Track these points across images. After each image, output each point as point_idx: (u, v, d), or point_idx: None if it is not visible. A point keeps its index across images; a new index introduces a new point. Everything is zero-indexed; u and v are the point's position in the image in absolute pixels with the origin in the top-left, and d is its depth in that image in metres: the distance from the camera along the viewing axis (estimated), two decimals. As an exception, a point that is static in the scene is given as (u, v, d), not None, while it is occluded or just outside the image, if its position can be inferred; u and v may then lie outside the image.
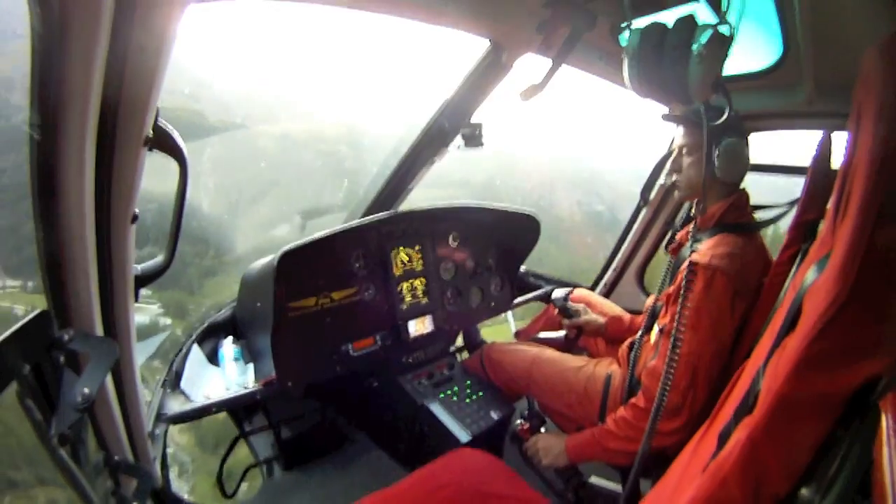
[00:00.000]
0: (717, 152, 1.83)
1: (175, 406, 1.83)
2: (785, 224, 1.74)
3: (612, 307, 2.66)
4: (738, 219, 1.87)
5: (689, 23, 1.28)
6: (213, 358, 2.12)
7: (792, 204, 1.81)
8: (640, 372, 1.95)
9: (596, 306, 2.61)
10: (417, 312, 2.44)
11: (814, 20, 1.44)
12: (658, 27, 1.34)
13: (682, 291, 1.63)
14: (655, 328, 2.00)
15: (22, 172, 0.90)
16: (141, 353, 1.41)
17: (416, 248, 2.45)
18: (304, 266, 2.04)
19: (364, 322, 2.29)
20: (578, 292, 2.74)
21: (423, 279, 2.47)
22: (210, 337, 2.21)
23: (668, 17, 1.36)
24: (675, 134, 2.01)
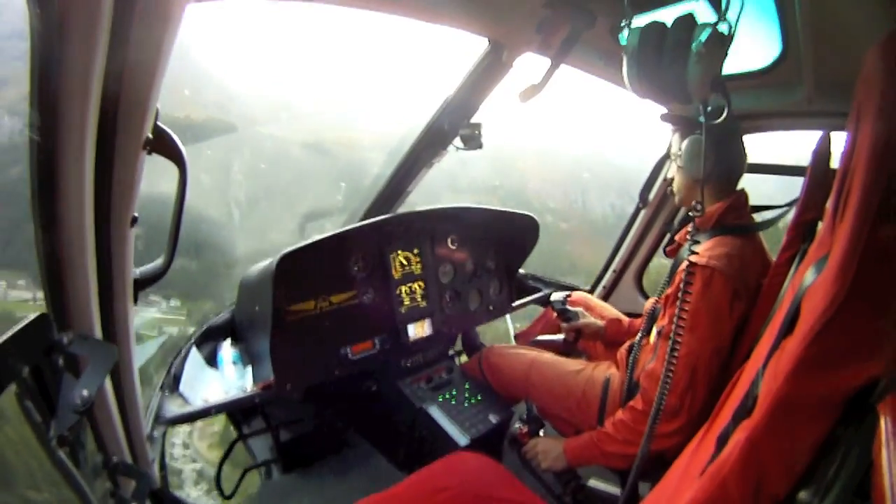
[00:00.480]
0: (680, 150, 1.90)
1: (173, 408, 1.83)
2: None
3: (611, 310, 2.66)
4: (736, 219, 1.88)
5: (688, 22, 1.29)
6: (212, 360, 2.11)
7: (791, 204, 1.82)
8: (639, 375, 1.95)
9: (594, 309, 2.61)
10: (416, 316, 2.44)
11: (813, 19, 1.44)
12: (657, 26, 1.34)
13: (680, 293, 1.63)
14: (654, 330, 2.00)
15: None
16: (140, 356, 1.41)
17: (415, 250, 2.44)
18: (302, 269, 2.04)
19: (363, 325, 2.29)
20: (577, 295, 2.74)
21: (421, 282, 2.47)
22: (209, 340, 2.20)
23: (668, 15, 1.36)
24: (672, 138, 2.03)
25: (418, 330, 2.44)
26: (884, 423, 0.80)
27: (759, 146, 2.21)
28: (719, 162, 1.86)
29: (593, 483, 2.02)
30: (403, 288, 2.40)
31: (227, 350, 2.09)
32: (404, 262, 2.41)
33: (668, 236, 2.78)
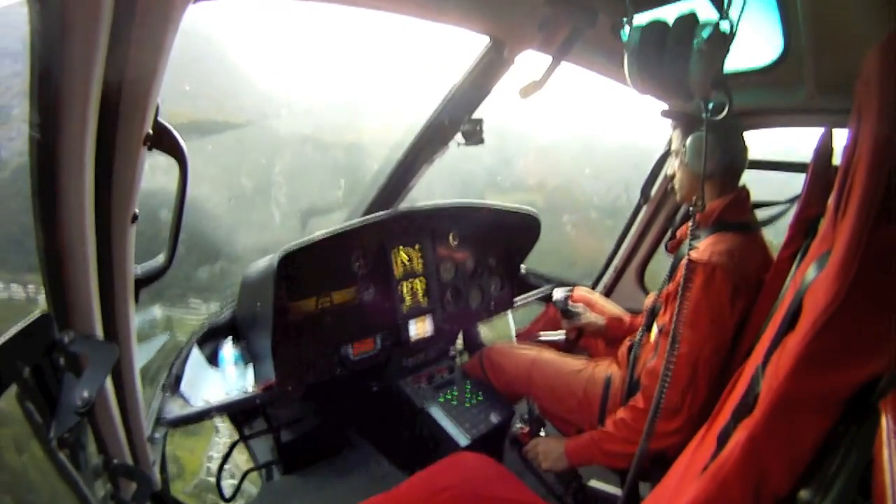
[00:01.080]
0: (685, 147, 1.89)
1: (175, 409, 1.82)
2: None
3: (613, 307, 2.66)
4: (737, 216, 1.87)
5: (689, 20, 1.28)
6: (213, 359, 2.12)
7: (792, 201, 1.81)
8: (640, 372, 1.94)
9: (596, 306, 2.61)
10: (418, 313, 2.44)
11: (815, 18, 1.44)
12: (659, 24, 1.34)
13: (680, 289, 1.63)
14: (655, 327, 2.00)
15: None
16: (141, 355, 1.41)
17: (416, 247, 2.44)
18: (304, 266, 2.04)
19: (364, 323, 2.29)
20: (579, 292, 2.73)
21: (423, 279, 2.47)
22: (210, 339, 2.20)
23: (669, 13, 1.35)
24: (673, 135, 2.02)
25: (419, 327, 2.44)
26: (885, 421, 0.80)
27: (762, 142, 2.21)
28: (721, 158, 1.85)
29: (594, 483, 2.02)
30: (405, 285, 2.40)
31: (228, 349, 2.08)
32: (406, 259, 2.40)
33: (669, 232, 2.79)
